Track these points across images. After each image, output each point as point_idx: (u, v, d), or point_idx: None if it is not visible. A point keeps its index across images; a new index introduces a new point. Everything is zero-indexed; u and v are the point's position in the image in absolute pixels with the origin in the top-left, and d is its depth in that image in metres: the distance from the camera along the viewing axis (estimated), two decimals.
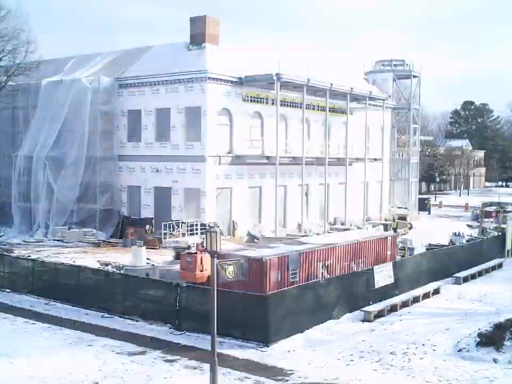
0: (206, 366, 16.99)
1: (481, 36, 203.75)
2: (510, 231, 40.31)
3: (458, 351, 20.45)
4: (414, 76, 65.24)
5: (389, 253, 31.47)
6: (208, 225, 37.32)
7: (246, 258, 23.50)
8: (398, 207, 62.02)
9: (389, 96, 60.45)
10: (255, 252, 25.91)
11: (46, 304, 26.34)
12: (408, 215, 59.73)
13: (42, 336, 21.85)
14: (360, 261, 29.34)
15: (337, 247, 28.17)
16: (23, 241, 42.91)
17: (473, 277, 33.42)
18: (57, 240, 42.93)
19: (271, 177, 45.62)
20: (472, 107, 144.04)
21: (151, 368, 18.74)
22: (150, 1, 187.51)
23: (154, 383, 17.67)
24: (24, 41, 45.45)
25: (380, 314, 25.05)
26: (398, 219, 55.64)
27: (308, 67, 46.45)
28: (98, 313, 24.86)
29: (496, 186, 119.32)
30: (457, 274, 32.82)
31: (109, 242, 41.69)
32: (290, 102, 48.71)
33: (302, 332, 22.31)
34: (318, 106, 51.07)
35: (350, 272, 27.72)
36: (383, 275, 27.23)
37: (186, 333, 22.31)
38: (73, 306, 25.72)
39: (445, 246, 39.14)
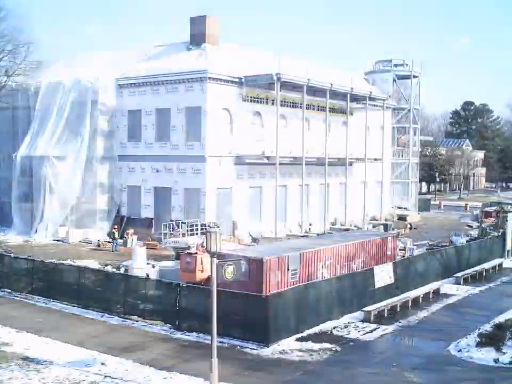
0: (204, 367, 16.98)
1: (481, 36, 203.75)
2: (510, 231, 40.31)
3: (459, 351, 20.44)
4: (414, 76, 65.26)
5: (389, 253, 31.50)
6: (208, 226, 37.32)
7: (246, 258, 23.52)
8: (398, 207, 62.04)
9: (389, 96, 60.44)
10: (254, 252, 25.92)
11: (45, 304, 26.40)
12: (409, 215, 59.76)
13: None
14: (360, 261, 29.35)
15: (337, 248, 28.18)
16: (23, 241, 42.92)
17: (473, 277, 33.42)
18: (57, 241, 42.95)
19: (271, 177, 45.61)
20: (472, 107, 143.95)
21: (151, 368, 18.73)
22: (150, 1, 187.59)
23: (153, 383, 17.66)
24: (24, 42, 45.48)
25: (380, 314, 25.04)
26: (398, 219, 55.73)
27: (307, 67, 46.44)
28: (99, 313, 24.87)
29: (496, 186, 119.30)
30: (457, 274, 32.83)
31: (109, 242, 41.67)
32: (290, 102, 48.69)
33: (302, 332, 22.32)
34: (318, 106, 51.06)
35: (350, 272, 27.73)
36: (383, 275, 27.23)
37: (186, 332, 22.30)
38: (73, 306, 25.72)
39: (445, 246, 39.15)
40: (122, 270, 29.42)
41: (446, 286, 31.04)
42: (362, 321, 24.33)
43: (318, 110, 51.15)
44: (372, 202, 57.96)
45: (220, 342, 19.99)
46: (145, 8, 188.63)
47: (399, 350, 20.99)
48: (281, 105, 45.68)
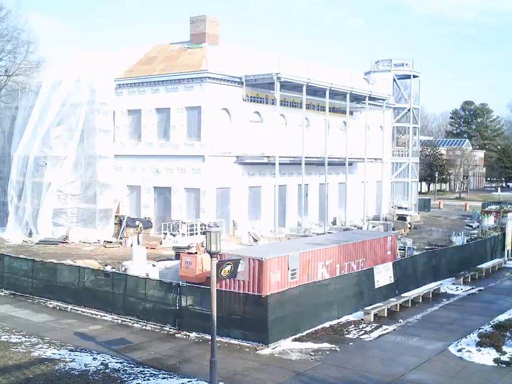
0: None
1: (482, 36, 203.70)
2: (510, 231, 40.32)
3: (459, 351, 20.44)
4: (414, 76, 65.28)
5: (389, 253, 31.49)
6: (208, 225, 37.33)
7: (246, 258, 23.52)
8: (398, 207, 62.05)
9: (389, 96, 60.46)
10: (254, 251, 25.91)
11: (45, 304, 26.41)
12: (409, 215, 59.76)
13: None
14: (360, 261, 29.35)
15: (337, 247, 28.17)
16: (23, 241, 42.92)
17: (473, 277, 33.42)
18: (57, 241, 42.88)
19: (271, 177, 45.64)
20: (472, 107, 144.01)
21: (150, 368, 18.72)
22: (151, 1, 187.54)
23: (153, 383, 17.65)
24: (24, 41, 45.48)
25: (380, 314, 25.04)
26: (398, 219, 55.73)
27: (307, 67, 46.45)
28: (98, 313, 24.86)
29: (496, 186, 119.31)
30: (457, 274, 32.82)
31: (110, 242, 41.67)
32: (290, 102, 48.70)
33: (302, 332, 22.32)
34: (318, 106, 51.07)
35: (350, 272, 27.72)
36: (383, 275, 27.23)
37: (186, 332, 22.30)
38: (73, 306, 25.72)
39: (445, 246, 39.16)
40: (122, 270, 29.40)
41: (446, 285, 31.06)
42: (362, 321, 24.33)
43: (318, 110, 51.18)
44: (372, 202, 58.00)
45: (220, 342, 19.99)
46: (145, 8, 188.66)
47: (399, 350, 20.97)
48: (281, 105, 45.69)
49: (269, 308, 20.97)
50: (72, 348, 20.55)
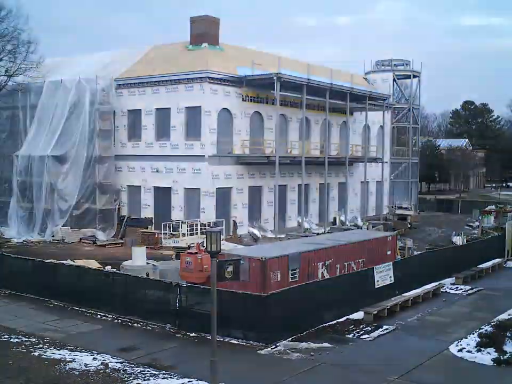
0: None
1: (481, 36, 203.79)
2: (510, 231, 40.33)
3: (459, 351, 20.44)
4: (414, 76, 65.28)
5: (389, 253, 31.49)
6: (208, 225, 37.36)
7: (246, 258, 23.52)
8: (398, 207, 62.02)
9: (389, 96, 60.48)
10: (255, 251, 25.92)
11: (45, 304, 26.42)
12: (409, 215, 59.71)
13: None
14: (360, 260, 29.35)
15: (337, 247, 28.18)
16: (24, 241, 42.93)
17: (473, 277, 33.42)
18: (57, 241, 42.95)
19: (271, 177, 45.64)
20: (472, 107, 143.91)
21: (150, 368, 18.73)
22: (151, 1, 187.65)
23: (152, 383, 17.66)
24: (25, 42, 45.48)
25: (380, 314, 25.03)
26: (398, 219, 55.68)
27: (307, 67, 46.45)
28: (98, 313, 24.87)
29: (496, 186, 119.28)
30: (457, 274, 32.83)
31: (110, 242, 41.68)
32: (290, 102, 48.71)
33: (302, 332, 22.32)
34: (318, 106, 51.08)
35: (350, 272, 27.73)
36: (383, 275, 27.23)
37: (186, 332, 22.30)
38: (73, 306, 25.72)
39: (445, 245, 39.15)
40: (122, 270, 29.39)
41: (446, 285, 31.06)
42: (363, 321, 24.33)
43: (318, 110, 51.19)
44: (372, 202, 58.00)
45: (220, 342, 19.99)
46: (145, 7, 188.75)
47: (399, 350, 20.98)
48: (281, 105, 45.70)
49: (269, 307, 20.98)
50: (72, 347, 20.54)
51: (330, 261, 27.39)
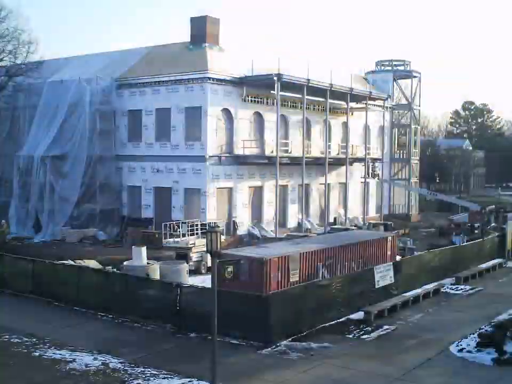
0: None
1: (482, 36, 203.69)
2: (510, 231, 40.33)
3: (459, 351, 20.46)
4: (414, 76, 65.25)
5: (389, 253, 31.50)
6: (209, 225, 37.31)
7: (246, 258, 23.54)
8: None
9: (389, 96, 60.46)
10: (255, 251, 25.93)
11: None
12: (409, 215, 59.76)
13: None
14: (360, 261, 29.36)
15: (337, 247, 28.19)
16: (24, 241, 42.89)
17: (473, 277, 33.44)
18: (57, 241, 42.95)
19: (271, 177, 45.65)
20: (472, 107, 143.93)
21: (150, 368, 18.74)
22: (151, 1, 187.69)
23: (153, 383, 17.68)
24: (25, 42, 45.52)
25: (380, 314, 25.05)
26: (398, 219, 55.63)
27: (307, 67, 46.44)
28: (98, 313, 24.88)
29: (496, 186, 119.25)
30: (458, 274, 32.86)
31: (110, 242, 41.68)
32: (290, 102, 48.72)
33: (302, 332, 22.33)
34: (318, 106, 51.08)
35: (350, 272, 27.73)
36: (383, 275, 27.24)
37: (186, 333, 22.30)
38: (74, 306, 25.73)
39: (445, 246, 39.12)
40: (122, 270, 29.40)
41: (446, 285, 31.08)
42: (363, 321, 24.34)
43: (318, 110, 51.19)
44: (372, 202, 57.99)
45: (221, 342, 19.98)
46: (146, 7, 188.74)
47: (400, 350, 20.99)
48: (281, 105, 45.70)
49: (270, 307, 21.00)
50: (73, 347, 20.56)
51: (330, 261, 27.40)
